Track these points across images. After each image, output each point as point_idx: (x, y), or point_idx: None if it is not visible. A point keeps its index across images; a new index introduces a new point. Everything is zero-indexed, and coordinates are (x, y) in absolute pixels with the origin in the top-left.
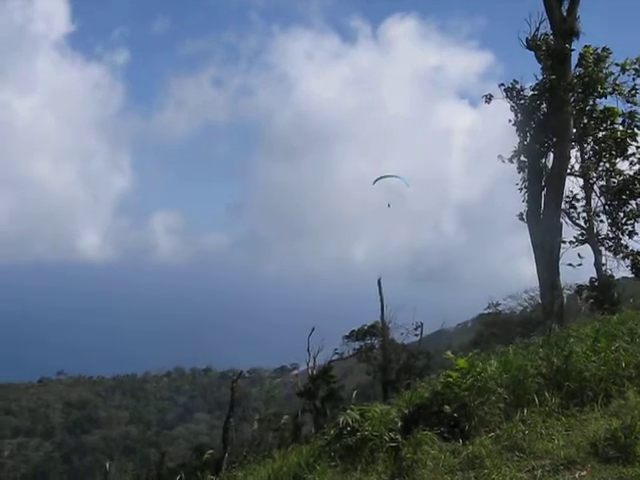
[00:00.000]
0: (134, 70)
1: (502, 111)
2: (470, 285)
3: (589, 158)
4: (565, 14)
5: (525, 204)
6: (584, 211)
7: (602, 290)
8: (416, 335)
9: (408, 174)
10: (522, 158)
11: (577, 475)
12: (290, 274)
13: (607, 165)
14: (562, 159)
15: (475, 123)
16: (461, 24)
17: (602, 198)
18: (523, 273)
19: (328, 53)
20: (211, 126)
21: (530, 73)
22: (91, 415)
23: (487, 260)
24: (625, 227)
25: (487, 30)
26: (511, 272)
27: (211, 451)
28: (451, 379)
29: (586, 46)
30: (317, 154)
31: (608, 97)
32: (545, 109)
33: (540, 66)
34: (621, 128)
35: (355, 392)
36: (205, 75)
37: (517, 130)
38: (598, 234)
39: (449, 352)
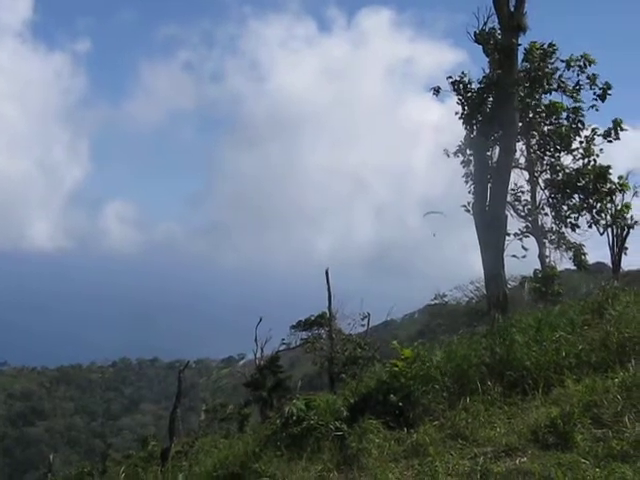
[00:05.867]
0: (100, 58)
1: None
2: (424, 276)
3: (534, 152)
4: (513, 9)
5: (471, 196)
6: (529, 204)
7: (545, 282)
8: (363, 326)
9: (375, 166)
10: (468, 151)
11: (518, 461)
12: (249, 265)
13: (552, 159)
14: (508, 152)
15: (442, 118)
16: (438, 20)
17: (546, 191)
18: (474, 265)
19: (301, 41)
20: (177, 115)
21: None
22: (35, 407)
23: (443, 252)
24: (568, 220)
25: (463, 27)
26: (463, 264)
27: (154, 442)
28: (397, 368)
29: (532, 42)
30: (283, 143)
31: (553, 93)
32: (492, 103)
33: (487, 60)
34: (565, 123)
35: (300, 382)
36: (174, 62)
37: (463, 123)
38: (542, 227)
39: (395, 342)
